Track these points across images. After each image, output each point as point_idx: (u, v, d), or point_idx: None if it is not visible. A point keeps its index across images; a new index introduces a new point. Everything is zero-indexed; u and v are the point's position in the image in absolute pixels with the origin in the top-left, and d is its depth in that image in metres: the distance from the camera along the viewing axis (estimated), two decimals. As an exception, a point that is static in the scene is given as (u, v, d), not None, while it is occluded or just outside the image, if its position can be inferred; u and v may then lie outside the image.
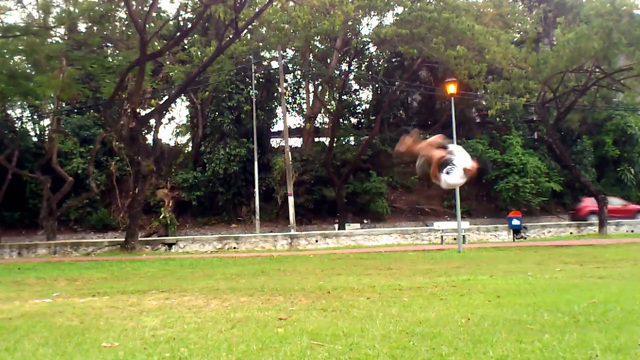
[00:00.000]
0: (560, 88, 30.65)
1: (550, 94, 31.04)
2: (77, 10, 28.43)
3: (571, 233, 28.74)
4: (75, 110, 39.81)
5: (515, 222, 26.81)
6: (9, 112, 40.15)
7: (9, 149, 37.17)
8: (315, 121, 46.21)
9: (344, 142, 43.90)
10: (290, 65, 42.02)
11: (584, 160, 41.89)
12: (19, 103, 38.71)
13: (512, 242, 25.18)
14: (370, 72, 42.79)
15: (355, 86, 46.20)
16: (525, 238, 27.06)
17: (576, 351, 4.49)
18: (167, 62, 36.01)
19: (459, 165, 5.79)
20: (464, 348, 4.65)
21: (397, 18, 33.09)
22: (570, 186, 41.84)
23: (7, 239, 34.07)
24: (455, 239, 23.86)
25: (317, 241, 26.30)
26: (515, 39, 38.10)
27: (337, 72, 40.84)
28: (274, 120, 44.76)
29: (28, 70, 29.17)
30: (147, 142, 39.81)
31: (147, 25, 25.89)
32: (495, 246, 22.28)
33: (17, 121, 40.69)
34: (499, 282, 9.70)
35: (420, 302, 7.46)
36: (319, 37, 36.92)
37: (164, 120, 45.76)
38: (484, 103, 39.48)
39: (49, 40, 28.86)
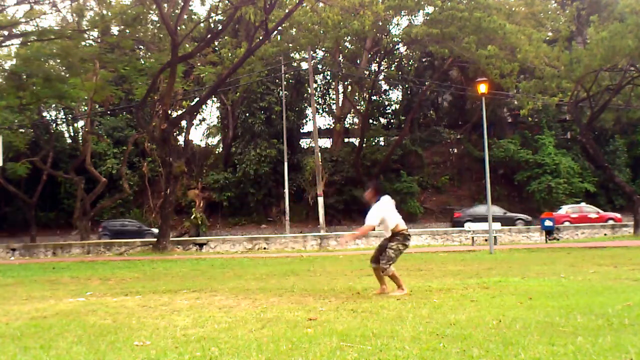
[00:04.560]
0: (594, 87, 30.18)
1: (583, 93, 30.58)
2: (109, 14, 28.87)
3: (605, 234, 28.24)
4: (109, 112, 40.42)
5: (548, 223, 26.39)
6: (45, 114, 40.94)
7: (44, 150, 37.94)
8: (345, 122, 46.22)
9: (373, 143, 43.82)
10: (320, 66, 42.10)
11: (617, 160, 41.19)
12: (53, 105, 39.46)
13: (544, 244, 24.83)
14: (400, 72, 42.64)
15: (385, 86, 46.14)
16: (558, 239, 26.66)
17: (610, 354, 4.41)
18: (198, 64, 36.35)
19: None
20: (495, 350, 4.60)
21: (428, 18, 32.97)
22: (604, 187, 41.18)
23: (42, 239, 34.77)
24: (486, 240, 23.62)
25: (346, 242, 26.23)
26: (547, 38, 37.67)
27: (367, 73, 40.79)
28: (304, 120, 44.88)
29: (62, 73, 29.65)
30: (178, 143, 40.22)
31: (179, 28, 26.14)
32: (527, 247, 21.99)
33: (52, 123, 41.47)
34: (531, 284, 9.56)
35: (451, 304, 7.39)
36: (348, 37, 36.95)
37: (195, 122, 46.26)
38: (515, 103, 39.09)
39: (83, 43, 29.37)
